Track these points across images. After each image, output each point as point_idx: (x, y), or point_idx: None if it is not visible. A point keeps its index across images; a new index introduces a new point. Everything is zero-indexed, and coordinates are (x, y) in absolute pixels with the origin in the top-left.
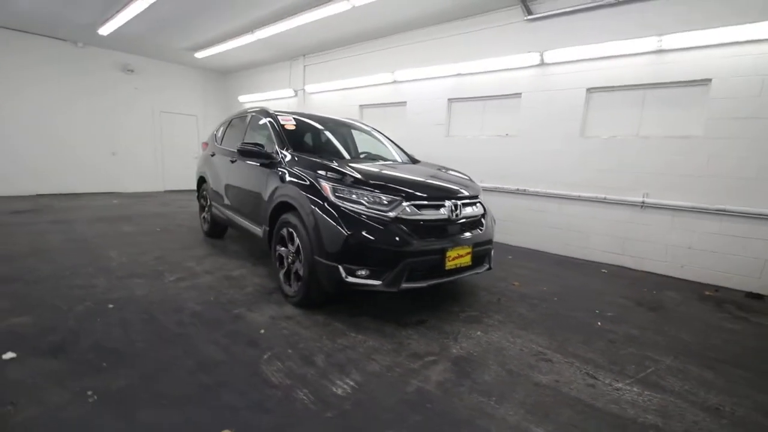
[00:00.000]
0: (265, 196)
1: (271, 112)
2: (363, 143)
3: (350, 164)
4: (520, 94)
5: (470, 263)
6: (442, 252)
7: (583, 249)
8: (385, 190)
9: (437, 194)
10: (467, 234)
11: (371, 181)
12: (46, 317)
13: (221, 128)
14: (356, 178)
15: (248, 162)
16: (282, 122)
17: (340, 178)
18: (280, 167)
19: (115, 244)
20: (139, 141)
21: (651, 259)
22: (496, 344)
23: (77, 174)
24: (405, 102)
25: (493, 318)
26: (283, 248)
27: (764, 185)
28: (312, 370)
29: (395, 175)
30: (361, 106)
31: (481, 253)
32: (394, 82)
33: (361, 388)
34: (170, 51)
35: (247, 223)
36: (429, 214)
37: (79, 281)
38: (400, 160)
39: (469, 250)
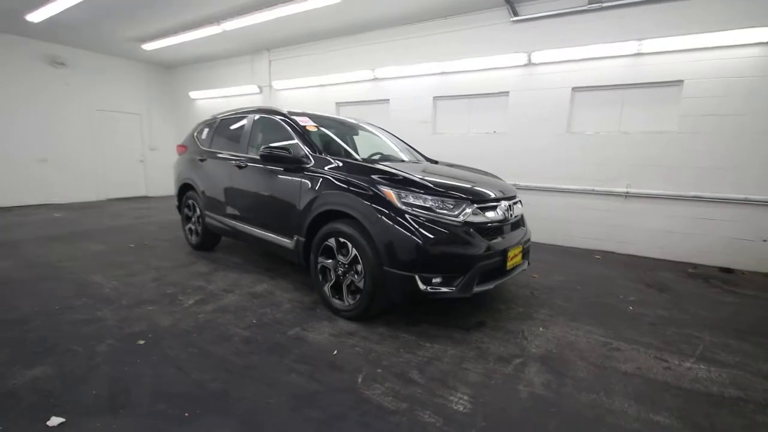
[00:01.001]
0: (299, 205)
1: (285, 111)
2: (368, 142)
3: (399, 168)
4: (508, 92)
5: (521, 261)
6: (505, 252)
7: (574, 238)
8: (448, 193)
9: (494, 195)
10: (517, 232)
11: (432, 186)
12: (68, 365)
13: (204, 130)
14: (417, 182)
15: (269, 168)
16: (302, 123)
17: (401, 183)
18: (315, 173)
19: (92, 267)
20: (75, 145)
21: (634, 243)
22: (563, 339)
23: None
24: (387, 99)
25: (540, 312)
26: (328, 260)
27: (730, 174)
28: (416, 388)
29: (449, 177)
30: (338, 104)
31: (525, 249)
32: (375, 79)
33: (477, 400)
34: (112, 41)
35: (265, 234)
36: (490, 216)
37: (79, 316)
38: (418, 160)
39: (521, 248)
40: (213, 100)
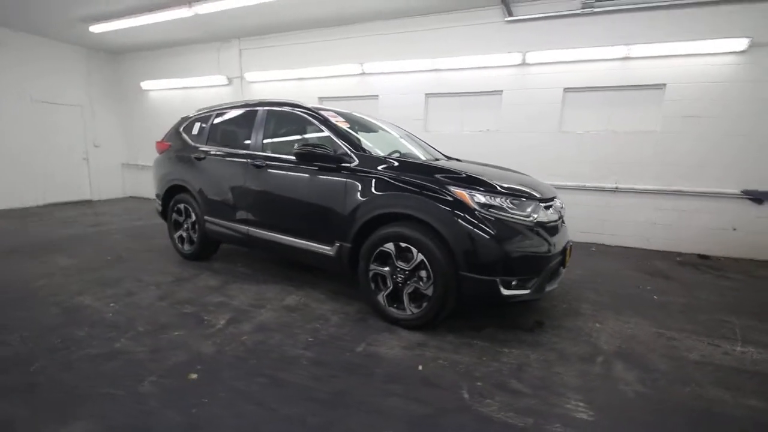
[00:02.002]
0: (344, 208)
1: (310, 106)
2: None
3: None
4: (502, 91)
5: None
6: (564, 251)
7: (570, 232)
8: (517, 192)
9: (550, 195)
10: (564, 231)
11: (498, 185)
12: (116, 416)
13: (195, 125)
14: (485, 181)
15: (301, 168)
16: (332, 119)
17: (468, 182)
18: (365, 172)
19: (75, 287)
20: (7, 141)
21: (623, 235)
22: (623, 333)
23: None
24: (376, 95)
25: (584, 307)
26: (384, 267)
27: (707, 170)
28: (528, 399)
29: (513, 177)
30: (321, 99)
31: (570, 248)
32: (363, 74)
33: (593, 405)
34: (49, 22)
35: (295, 241)
36: (551, 215)
37: (93, 350)
38: (440, 158)
39: (570, 246)
40: (171, 91)
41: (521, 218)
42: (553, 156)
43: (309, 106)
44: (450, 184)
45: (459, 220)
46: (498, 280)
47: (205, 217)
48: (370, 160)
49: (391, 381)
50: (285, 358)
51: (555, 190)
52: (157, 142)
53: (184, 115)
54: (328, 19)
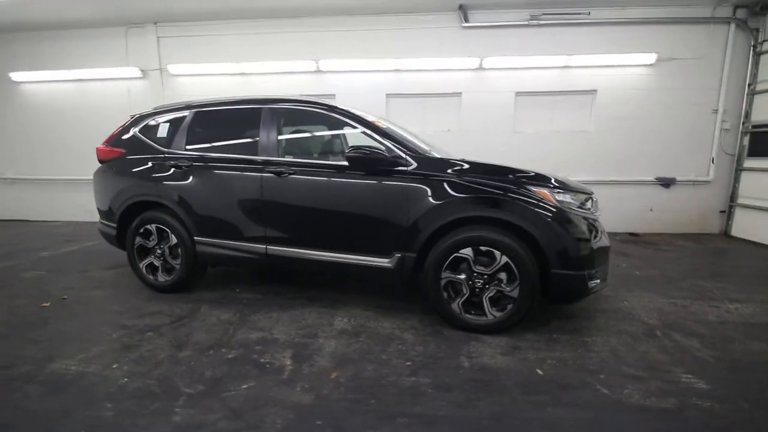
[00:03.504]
0: (408, 216)
1: (340, 106)
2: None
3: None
4: (461, 93)
5: None
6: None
7: None
8: (580, 189)
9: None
10: None
11: (565, 182)
12: None
13: (163, 126)
14: (556, 179)
15: (345, 174)
16: (370, 118)
17: (542, 181)
18: (432, 176)
19: (31, 352)
20: None
21: None
22: (649, 306)
23: None
24: (333, 95)
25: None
26: (458, 274)
27: (630, 162)
28: (650, 381)
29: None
30: None
31: None
32: (318, 71)
33: (698, 376)
34: None
35: (339, 256)
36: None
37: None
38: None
39: None
40: (57, 85)
41: (589, 213)
42: (509, 155)
43: (339, 106)
44: (528, 184)
45: (549, 219)
46: (586, 273)
47: (196, 238)
48: (432, 162)
49: (532, 392)
50: (403, 389)
51: None
52: (101, 148)
53: (135, 113)
54: (278, 10)
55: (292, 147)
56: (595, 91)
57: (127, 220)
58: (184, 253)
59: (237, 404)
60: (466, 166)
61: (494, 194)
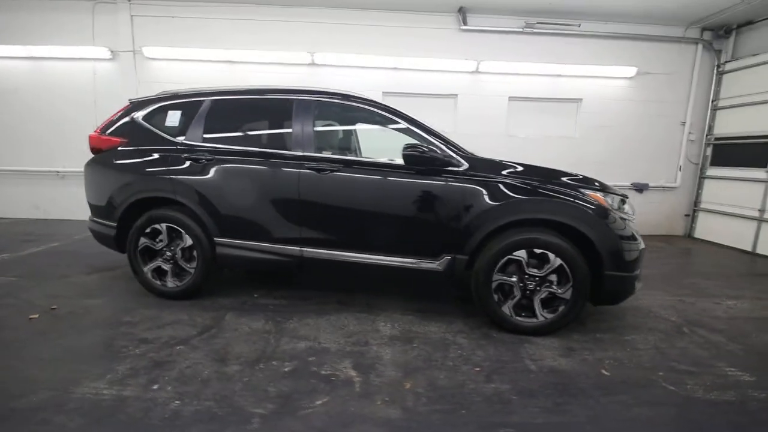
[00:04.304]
0: (461, 218)
1: (367, 97)
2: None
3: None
4: (457, 95)
5: None
6: None
7: None
8: (620, 194)
9: None
10: None
11: (606, 185)
12: None
13: (171, 113)
14: (601, 183)
15: (396, 173)
16: (415, 117)
17: (589, 185)
18: (486, 178)
19: (46, 374)
20: None
21: None
22: (665, 305)
23: None
24: None
25: None
26: (510, 277)
27: (611, 168)
28: (702, 376)
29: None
30: None
31: None
32: (313, 64)
33: (740, 368)
34: None
35: (386, 259)
36: None
37: None
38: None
39: None
40: (5, 62)
41: (631, 216)
42: (504, 157)
43: (365, 97)
44: (581, 188)
45: (604, 222)
46: (635, 275)
47: (218, 239)
48: (485, 163)
49: (609, 393)
50: (487, 397)
51: None
52: (95, 136)
53: (134, 98)
54: None
55: (328, 141)
56: (580, 99)
57: (130, 219)
58: (201, 255)
59: (321, 423)
60: (520, 168)
61: (553, 197)
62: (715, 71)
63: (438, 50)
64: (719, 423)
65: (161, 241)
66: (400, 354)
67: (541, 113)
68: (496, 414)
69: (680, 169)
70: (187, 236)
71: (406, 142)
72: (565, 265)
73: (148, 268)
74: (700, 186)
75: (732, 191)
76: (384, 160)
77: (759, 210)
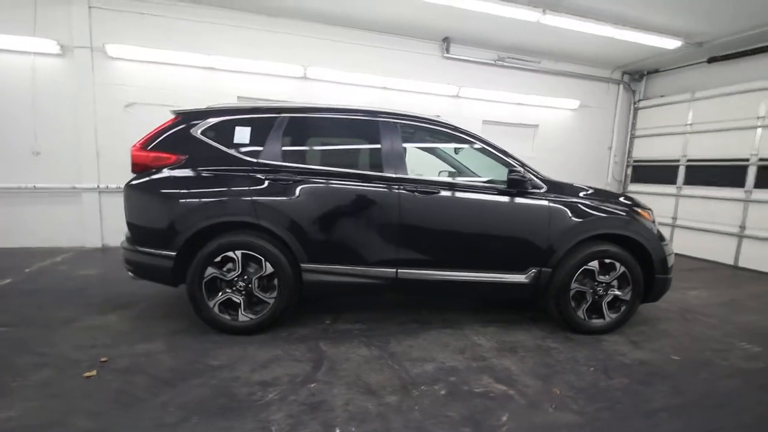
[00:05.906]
0: (548, 234)
1: (452, 124)
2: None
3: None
4: (440, 116)
5: None
6: None
7: None
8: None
9: None
10: None
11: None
12: None
13: (239, 129)
14: (639, 201)
15: (488, 195)
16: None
17: (644, 205)
18: (567, 199)
19: None
20: None
21: None
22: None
23: None
24: None
25: None
26: (583, 285)
27: None
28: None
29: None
30: (241, 99)
31: None
32: (305, 78)
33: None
34: None
35: (478, 275)
36: None
37: None
38: None
39: None
40: None
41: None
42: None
43: (450, 123)
44: (634, 206)
45: (655, 234)
46: (671, 276)
47: (305, 265)
48: (561, 185)
49: (696, 373)
50: (623, 390)
51: None
52: (140, 153)
53: (181, 110)
54: (267, 8)
55: (416, 163)
56: (537, 125)
57: (193, 247)
58: (284, 283)
59: None
60: (591, 191)
61: (618, 215)
62: (632, 107)
63: (424, 74)
64: None
65: (232, 270)
66: (519, 363)
67: (506, 136)
68: (642, 404)
69: (607, 185)
70: (267, 263)
71: (509, 168)
72: (627, 272)
73: (214, 302)
74: None
75: (648, 204)
76: (483, 182)
77: (672, 218)
